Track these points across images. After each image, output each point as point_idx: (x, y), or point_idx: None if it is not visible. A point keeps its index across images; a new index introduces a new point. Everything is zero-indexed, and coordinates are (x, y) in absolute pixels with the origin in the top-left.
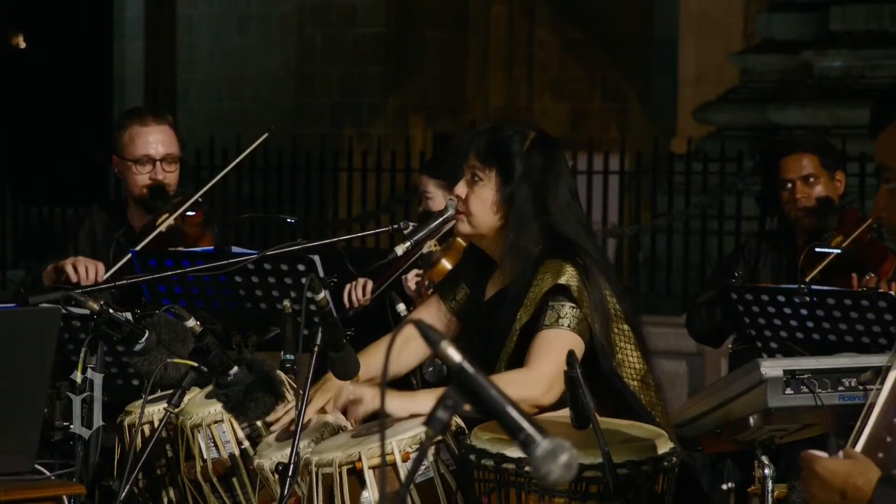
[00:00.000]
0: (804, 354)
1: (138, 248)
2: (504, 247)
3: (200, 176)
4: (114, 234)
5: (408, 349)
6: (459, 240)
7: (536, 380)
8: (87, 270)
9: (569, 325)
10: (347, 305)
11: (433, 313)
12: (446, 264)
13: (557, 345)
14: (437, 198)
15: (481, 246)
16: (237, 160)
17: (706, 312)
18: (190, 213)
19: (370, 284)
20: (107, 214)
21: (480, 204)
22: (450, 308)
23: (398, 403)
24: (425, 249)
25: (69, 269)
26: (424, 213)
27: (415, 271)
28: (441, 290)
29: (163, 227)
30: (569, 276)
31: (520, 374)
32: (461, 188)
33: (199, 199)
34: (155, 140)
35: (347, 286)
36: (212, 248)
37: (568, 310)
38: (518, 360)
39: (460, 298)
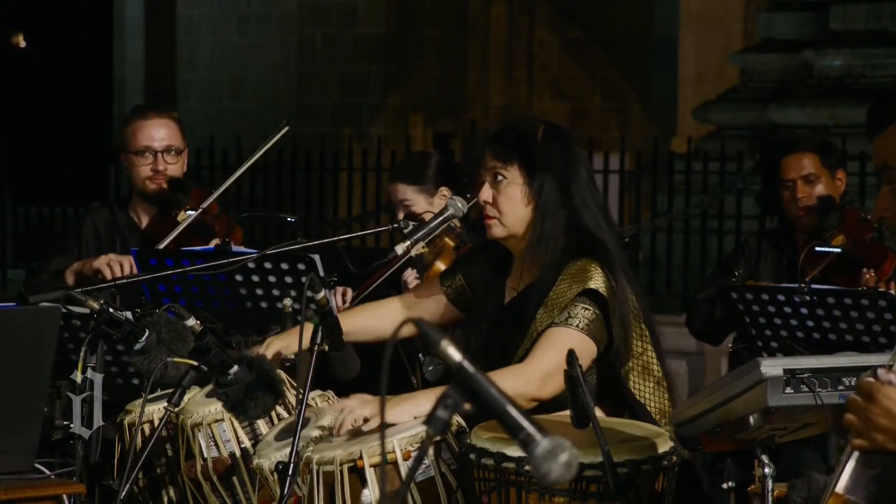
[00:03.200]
0: (804, 353)
1: (164, 243)
2: (531, 238)
3: (201, 175)
4: (118, 229)
5: (380, 313)
6: (448, 240)
7: (532, 374)
8: (121, 268)
9: (577, 325)
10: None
11: (430, 292)
12: (440, 266)
13: (559, 341)
14: (419, 203)
15: (509, 245)
16: (260, 152)
17: (707, 310)
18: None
19: (349, 292)
20: (109, 211)
21: (510, 202)
22: (444, 293)
23: (400, 411)
24: (414, 253)
25: (105, 271)
26: (410, 216)
27: (413, 273)
28: (441, 275)
29: (186, 223)
30: (597, 280)
31: (516, 368)
32: (486, 193)
33: (212, 191)
34: (156, 132)
35: None
36: (212, 247)
37: (580, 310)
38: None
39: (456, 286)
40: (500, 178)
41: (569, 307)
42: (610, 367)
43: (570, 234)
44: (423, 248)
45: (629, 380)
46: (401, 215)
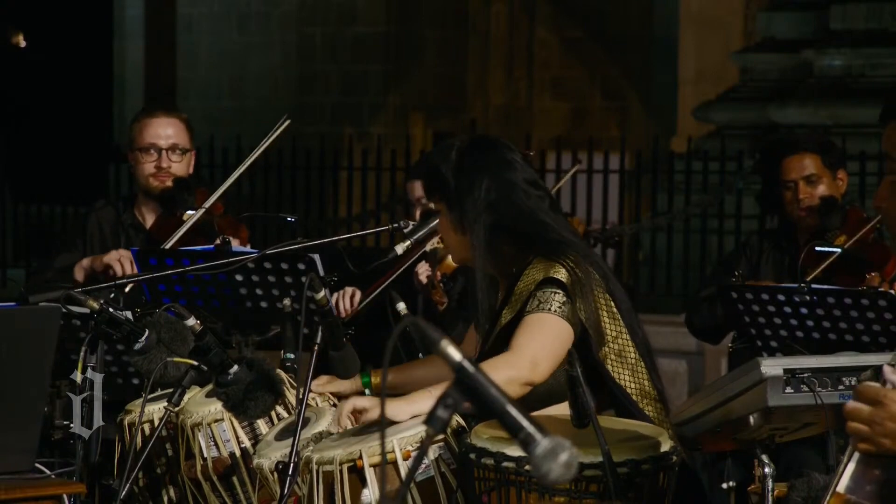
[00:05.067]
0: (804, 353)
1: (169, 243)
2: (476, 260)
3: (201, 175)
4: (123, 228)
5: (434, 365)
6: None
7: (519, 358)
8: (132, 264)
9: (551, 309)
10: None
11: (473, 342)
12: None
13: (539, 325)
14: None
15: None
16: (262, 147)
17: (708, 308)
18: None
19: (358, 294)
20: (113, 210)
21: (446, 234)
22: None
23: (399, 408)
24: (429, 248)
25: (116, 266)
26: (426, 214)
27: (425, 265)
28: (475, 325)
29: (191, 222)
30: (559, 271)
31: (502, 356)
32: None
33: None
34: (163, 130)
35: (335, 295)
36: (212, 246)
37: (550, 295)
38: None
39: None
40: (438, 211)
41: (537, 295)
42: (587, 353)
43: (512, 240)
44: (437, 242)
45: (606, 364)
46: (418, 213)
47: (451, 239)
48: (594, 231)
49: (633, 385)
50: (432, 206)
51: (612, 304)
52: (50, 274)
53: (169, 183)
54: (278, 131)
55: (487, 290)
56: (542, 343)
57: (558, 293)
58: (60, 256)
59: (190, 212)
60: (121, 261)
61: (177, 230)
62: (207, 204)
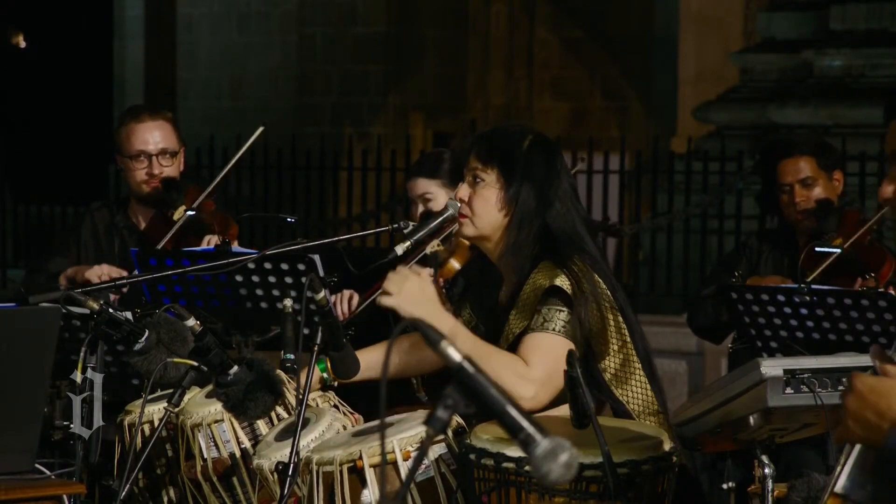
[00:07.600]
0: (804, 354)
1: (161, 243)
2: (505, 245)
3: (200, 175)
4: (117, 230)
5: (422, 351)
6: (463, 238)
7: (531, 380)
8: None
9: (554, 329)
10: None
11: None
12: (455, 264)
13: (545, 348)
14: (440, 197)
15: (483, 248)
16: (235, 158)
17: (711, 306)
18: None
19: (356, 297)
20: (108, 212)
21: (484, 203)
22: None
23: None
24: (429, 251)
25: (96, 282)
26: (426, 214)
27: (428, 271)
28: (455, 304)
29: (182, 221)
30: (562, 279)
31: (518, 365)
32: (463, 191)
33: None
34: (150, 136)
35: (333, 298)
36: (212, 247)
37: (555, 313)
38: None
39: (465, 317)
40: (478, 179)
41: (542, 311)
42: (588, 365)
43: (543, 243)
44: (437, 245)
45: (607, 377)
46: (420, 210)
47: (488, 213)
48: None
49: (636, 398)
50: (477, 173)
51: (619, 316)
52: (41, 278)
53: (159, 186)
54: (253, 138)
55: (489, 283)
56: (546, 368)
57: (562, 310)
58: (54, 260)
59: (190, 213)
60: (101, 279)
61: (169, 230)
62: (196, 203)
